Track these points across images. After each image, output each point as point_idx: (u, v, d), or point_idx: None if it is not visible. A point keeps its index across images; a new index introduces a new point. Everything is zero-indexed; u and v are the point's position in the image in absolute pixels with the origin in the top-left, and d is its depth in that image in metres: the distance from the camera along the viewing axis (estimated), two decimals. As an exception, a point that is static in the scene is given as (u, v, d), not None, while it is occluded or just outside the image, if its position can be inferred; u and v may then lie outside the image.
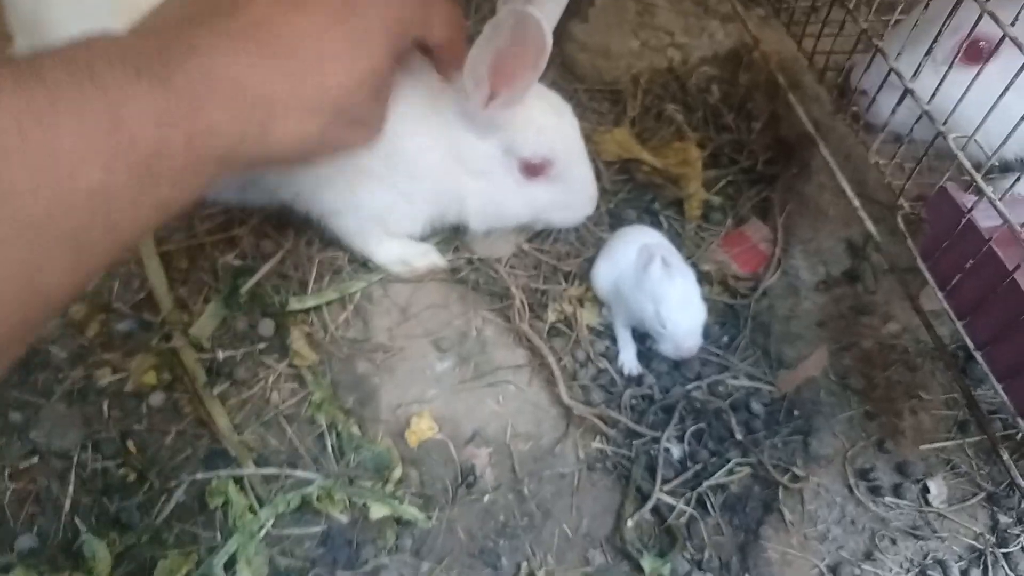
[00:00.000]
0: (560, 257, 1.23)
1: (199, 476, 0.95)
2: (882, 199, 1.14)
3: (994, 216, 0.81)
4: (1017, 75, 0.77)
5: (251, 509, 0.94)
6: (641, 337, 1.15)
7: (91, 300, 1.07)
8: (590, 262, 1.21)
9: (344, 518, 0.95)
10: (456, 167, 1.03)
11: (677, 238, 1.29)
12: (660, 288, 1.06)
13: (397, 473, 0.98)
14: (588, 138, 1.36)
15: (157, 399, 1.01)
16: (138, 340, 1.05)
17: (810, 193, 1.28)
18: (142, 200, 0.55)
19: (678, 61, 1.46)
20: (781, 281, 1.24)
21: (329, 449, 0.99)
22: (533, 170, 1.05)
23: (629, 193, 1.34)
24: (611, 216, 1.30)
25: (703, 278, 1.24)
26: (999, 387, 0.84)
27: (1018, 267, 0.78)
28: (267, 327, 1.06)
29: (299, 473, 0.97)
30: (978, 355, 0.85)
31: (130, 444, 0.97)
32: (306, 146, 0.72)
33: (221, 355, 1.04)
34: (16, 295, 0.49)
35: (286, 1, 0.70)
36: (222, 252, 1.12)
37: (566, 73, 1.46)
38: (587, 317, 1.18)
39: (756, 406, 1.13)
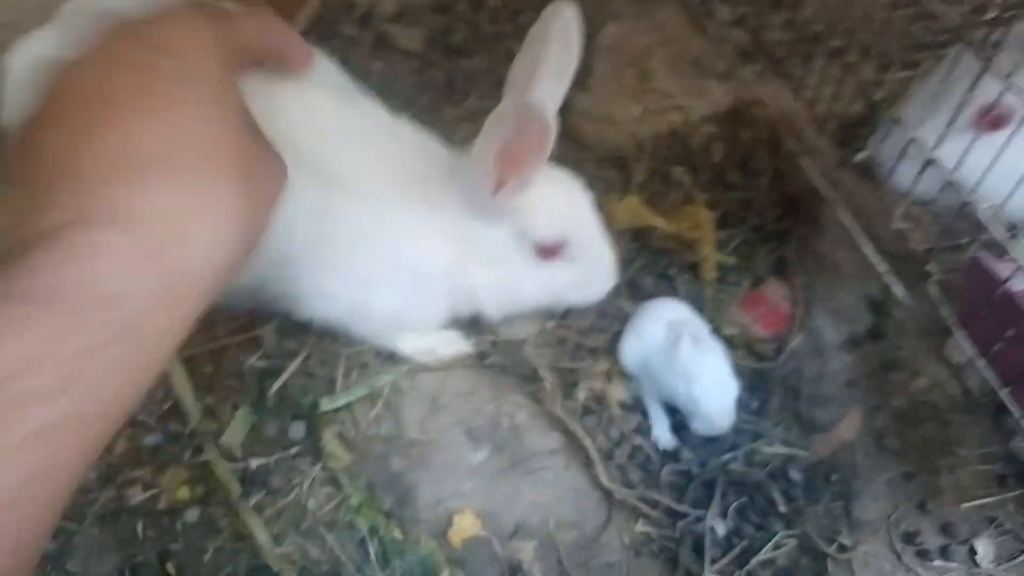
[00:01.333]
0: (584, 333, 1.22)
1: (242, 595, 0.93)
2: (897, 252, 1.15)
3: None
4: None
5: (297, 625, 0.91)
6: (672, 408, 1.15)
7: (116, 415, 1.04)
8: (615, 336, 1.20)
9: (396, 631, 0.93)
10: (467, 261, 1.01)
11: (696, 302, 1.29)
12: (691, 367, 1.06)
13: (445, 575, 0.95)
14: (600, 207, 1.37)
15: (192, 515, 0.98)
16: (168, 453, 1.03)
17: (825, 250, 1.29)
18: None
19: (680, 122, 1.47)
20: (806, 342, 1.23)
21: (372, 557, 0.97)
22: (548, 252, 1.03)
23: (645, 261, 1.34)
24: (629, 286, 1.29)
25: (727, 342, 1.24)
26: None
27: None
28: (298, 430, 1.05)
29: (344, 584, 0.94)
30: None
31: (169, 567, 0.94)
32: (231, 240, 0.59)
33: (254, 464, 1.02)
34: None
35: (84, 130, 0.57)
36: (246, 354, 1.11)
37: (572, 143, 1.47)
38: (617, 393, 1.18)
39: (794, 474, 1.12)
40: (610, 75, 1.47)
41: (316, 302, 1.01)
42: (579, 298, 1.13)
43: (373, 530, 0.98)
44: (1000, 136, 0.89)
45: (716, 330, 1.23)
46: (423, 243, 0.98)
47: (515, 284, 1.05)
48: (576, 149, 1.46)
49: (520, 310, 1.11)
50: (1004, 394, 0.87)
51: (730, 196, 1.42)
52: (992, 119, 0.93)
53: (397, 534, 0.98)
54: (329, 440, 1.04)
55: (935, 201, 0.95)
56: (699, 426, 1.09)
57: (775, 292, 1.30)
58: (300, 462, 1.03)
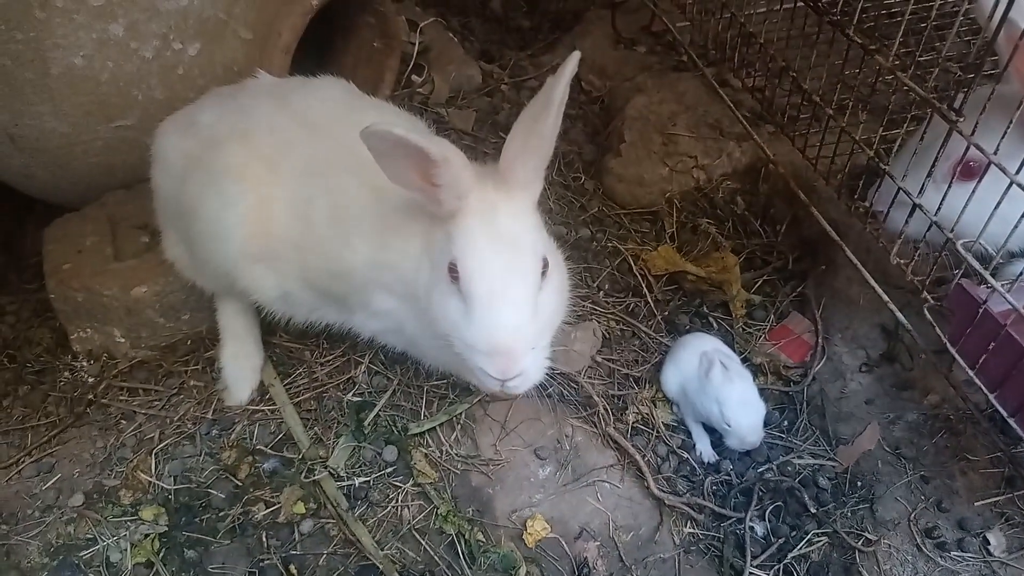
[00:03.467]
0: (629, 365, 1.40)
1: (353, 591, 1.10)
2: (904, 285, 1.32)
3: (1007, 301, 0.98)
4: (1007, 190, 0.96)
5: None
6: (710, 428, 1.31)
7: (238, 445, 1.24)
8: (656, 366, 1.38)
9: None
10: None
11: (728, 336, 1.47)
12: (722, 392, 1.23)
13: (522, 572, 1.12)
14: (638, 257, 1.57)
15: (307, 526, 1.16)
16: (283, 476, 1.21)
17: (840, 287, 1.46)
18: None
19: (704, 180, 1.67)
20: (827, 367, 1.40)
21: (460, 556, 1.14)
22: (454, 274, 0.96)
23: (679, 301, 1.53)
24: (667, 323, 1.48)
25: (757, 370, 1.41)
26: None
27: (1033, 344, 0.95)
28: (391, 453, 1.23)
29: (440, 582, 1.11)
30: (1012, 421, 1.01)
31: (292, 568, 1.11)
32: None
33: (357, 482, 1.20)
34: None
35: None
36: (343, 391, 1.30)
37: (608, 202, 1.68)
38: (662, 416, 1.35)
39: (823, 481, 1.27)
40: (638, 141, 1.68)
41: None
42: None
43: (460, 534, 1.15)
44: (971, 184, 1.06)
45: (746, 360, 1.41)
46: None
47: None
48: (612, 207, 1.67)
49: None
50: (993, 399, 1.02)
51: (753, 243, 1.61)
52: (964, 171, 1.11)
53: (480, 537, 1.15)
54: (418, 460, 1.22)
55: (925, 240, 1.12)
56: (732, 443, 1.26)
57: (798, 324, 1.48)
58: (395, 479, 1.21)
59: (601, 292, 1.53)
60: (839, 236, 1.38)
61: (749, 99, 1.65)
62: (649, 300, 1.51)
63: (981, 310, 1.00)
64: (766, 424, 1.28)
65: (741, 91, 1.68)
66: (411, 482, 1.21)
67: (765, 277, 1.57)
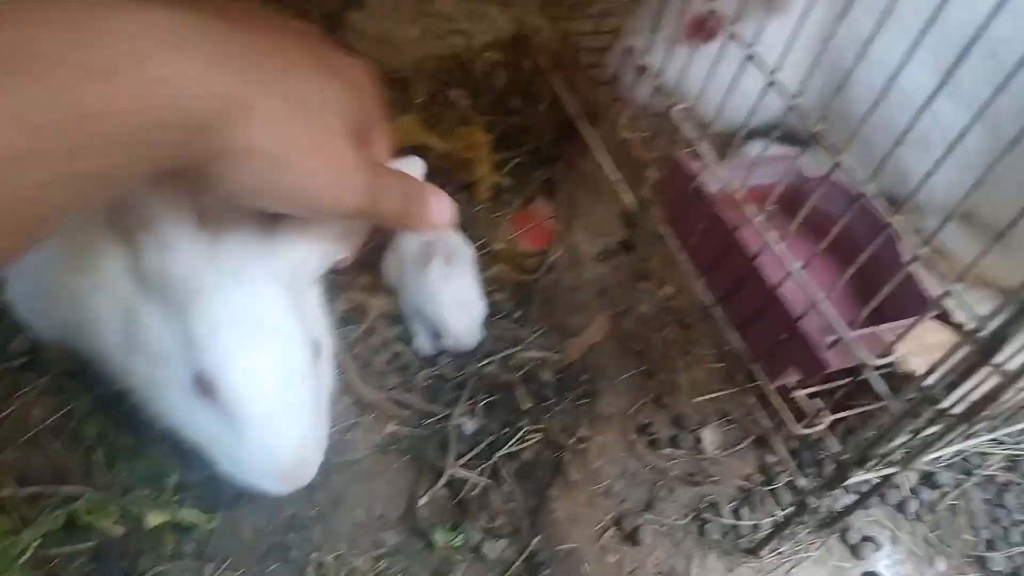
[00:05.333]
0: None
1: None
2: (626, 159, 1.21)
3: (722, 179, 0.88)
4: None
5: (13, 531, 0.88)
6: (434, 320, 1.18)
7: None
8: (378, 251, 1.21)
9: (119, 530, 0.92)
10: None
11: (469, 220, 1.32)
12: (437, 288, 1.09)
13: (174, 480, 0.95)
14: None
15: None
16: None
17: (588, 170, 1.35)
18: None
19: (462, 47, 1.49)
20: (566, 255, 1.29)
21: (99, 462, 0.95)
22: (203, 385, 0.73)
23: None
24: (401, 202, 1.31)
25: (495, 257, 1.29)
26: (736, 337, 0.92)
27: (737, 227, 0.86)
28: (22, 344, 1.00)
29: (66, 489, 0.92)
30: (716, 308, 0.93)
31: None
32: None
33: (-29, 375, 0.97)
34: None
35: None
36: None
37: (350, 63, 1.46)
38: (379, 305, 1.19)
39: (546, 376, 1.18)
40: (387, -6, 1.47)
41: None
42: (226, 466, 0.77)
43: (101, 436, 0.96)
44: (713, 47, 0.95)
45: (485, 247, 1.28)
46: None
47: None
48: (354, 68, 1.46)
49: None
50: (700, 285, 0.94)
51: (509, 120, 1.46)
52: (703, 31, 1.00)
53: (129, 442, 0.97)
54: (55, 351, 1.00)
55: (648, 108, 1.01)
56: (447, 342, 1.13)
57: (542, 210, 1.36)
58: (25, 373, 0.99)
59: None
60: (597, 117, 1.26)
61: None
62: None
63: (692, 187, 0.90)
64: (495, 316, 1.16)
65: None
66: (47, 376, 0.99)
67: (518, 160, 1.43)
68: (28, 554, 0.87)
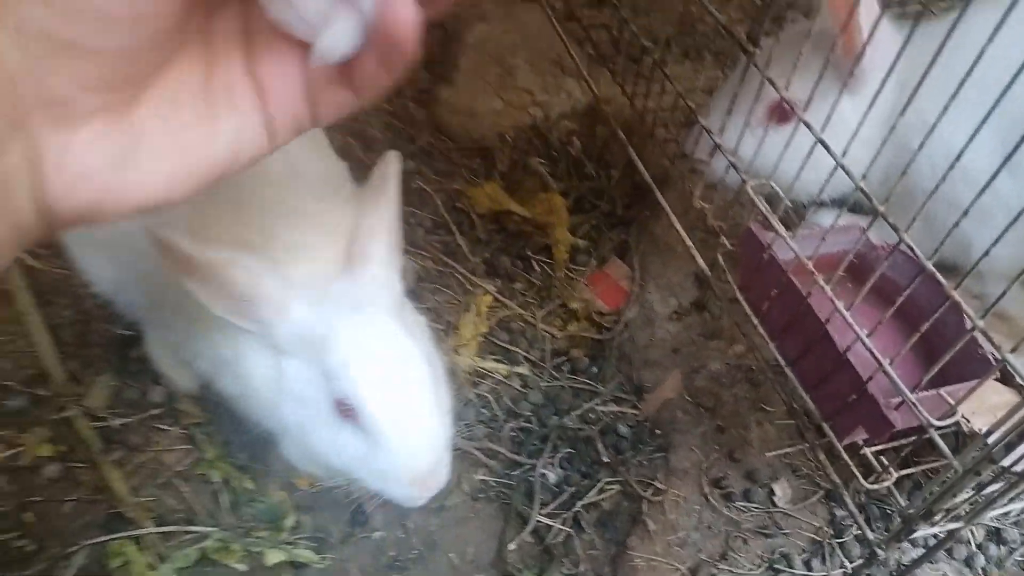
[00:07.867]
0: (443, 307, 1.33)
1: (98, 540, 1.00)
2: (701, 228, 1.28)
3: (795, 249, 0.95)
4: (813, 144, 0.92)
5: (151, 567, 0.99)
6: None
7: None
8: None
9: (243, 567, 1.02)
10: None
11: (548, 280, 1.42)
12: None
13: (290, 521, 1.04)
14: (462, 193, 1.49)
15: (53, 470, 1.05)
16: (30, 415, 1.09)
17: (660, 233, 1.43)
18: None
19: (540, 118, 1.60)
20: (639, 314, 1.37)
21: (225, 504, 1.05)
22: (345, 411, 0.82)
23: (503, 242, 1.46)
24: (487, 264, 1.42)
25: (572, 316, 1.38)
26: (807, 397, 0.98)
27: (809, 294, 0.93)
28: (158, 393, 1.12)
29: (196, 528, 1.02)
30: (788, 370, 0.99)
31: (28, 515, 1.00)
32: None
33: (116, 423, 1.09)
34: None
35: None
36: (111, 324, 1.18)
37: (437, 134, 1.58)
38: (468, 361, 1.29)
39: (623, 429, 1.25)
40: (473, 70, 1.59)
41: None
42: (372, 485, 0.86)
43: (226, 481, 1.07)
44: (788, 128, 1.02)
45: (563, 306, 1.38)
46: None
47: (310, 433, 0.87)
48: (442, 140, 1.58)
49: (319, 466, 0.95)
50: (773, 347, 1.00)
51: (585, 186, 1.56)
52: (777, 113, 1.08)
53: (249, 485, 1.07)
54: (186, 402, 1.12)
55: (722, 182, 1.08)
56: None
57: (617, 270, 1.44)
58: (160, 422, 1.11)
59: (421, 230, 1.45)
60: (668, 183, 1.35)
61: (604, 35, 1.59)
62: (460, 241, 1.43)
63: (766, 255, 0.97)
64: (577, 371, 1.25)
65: (593, 26, 1.61)
66: (178, 426, 1.11)
67: (593, 222, 1.52)
68: (165, 586, 0.98)
